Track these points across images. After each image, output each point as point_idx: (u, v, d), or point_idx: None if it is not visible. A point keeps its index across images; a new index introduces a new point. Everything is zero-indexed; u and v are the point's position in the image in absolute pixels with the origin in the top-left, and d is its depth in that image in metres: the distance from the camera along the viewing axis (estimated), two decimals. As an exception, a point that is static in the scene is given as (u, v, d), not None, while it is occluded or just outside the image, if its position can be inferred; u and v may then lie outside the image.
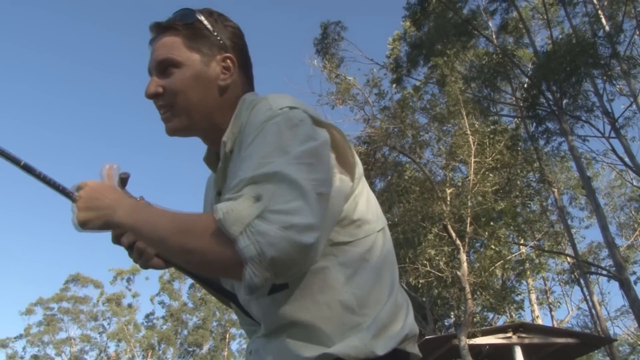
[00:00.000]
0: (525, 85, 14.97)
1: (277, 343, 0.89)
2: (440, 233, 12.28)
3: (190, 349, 37.42)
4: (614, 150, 13.99)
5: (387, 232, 1.00)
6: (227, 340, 37.94)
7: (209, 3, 1.08)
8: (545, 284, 23.65)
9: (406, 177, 14.33)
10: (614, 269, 12.58)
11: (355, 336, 0.85)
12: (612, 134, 13.72)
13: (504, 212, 12.06)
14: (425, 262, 12.29)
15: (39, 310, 37.30)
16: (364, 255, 0.90)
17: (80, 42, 67.92)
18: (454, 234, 11.56)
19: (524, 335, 11.94)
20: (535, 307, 20.83)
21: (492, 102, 15.90)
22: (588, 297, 19.01)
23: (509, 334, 11.88)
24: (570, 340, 12.31)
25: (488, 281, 12.21)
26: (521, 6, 17.66)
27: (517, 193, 13.60)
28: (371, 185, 12.20)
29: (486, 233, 11.97)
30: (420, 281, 12.43)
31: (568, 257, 19.66)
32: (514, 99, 16.66)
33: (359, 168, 0.96)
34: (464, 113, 12.99)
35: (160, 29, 1.04)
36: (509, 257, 12.97)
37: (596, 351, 21.29)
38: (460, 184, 13.13)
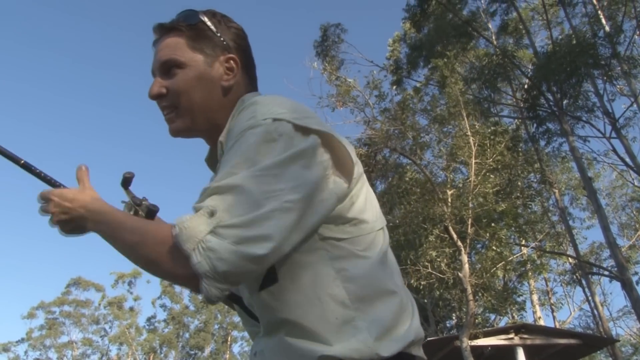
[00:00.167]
0: (526, 86, 14.99)
1: (277, 341, 0.89)
2: (442, 234, 12.26)
3: (192, 352, 37.42)
4: (614, 150, 14.00)
5: (386, 232, 1.00)
6: (228, 343, 37.92)
7: (209, 5, 1.08)
8: (547, 285, 23.62)
9: (407, 179, 14.34)
10: (615, 269, 12.57)
11: (355, 338, 0.83)
12: (613, 134, 13.72)
13: (505, 213, 12.04)
14: (426, 263, 12.27)
15: (40, 314, 37.34)
16: (358, 252, 0.90)
17: (81, 41, 68.10)
18: (455, 236, 11.55)
19: (526, 336, 11.92)
20: (537, 308, 20.79)
21: (492, 103, 15.91)
22: (590, 298, 18.97)
23: (511, 335, 11.85)
24: (572, 341, 12.29)
25: (489, 282, 12.20)
26: (521, 7, 17.69)
27: (518, 194, 13.59)
28: (372, 187, 12.14)
29: (487, 234, 11.96)
30: (422, 283, 12.40)
31: (570, 258, 19.65)
32: (514, 100, 16.67)
33: (358, 168, 0.96)
34: (465, 114, 12.99)
35: (163, 30, 1.05)
36: (510, 258, 12.94)
37: (599, 352, 21.25)
38: (461, 185, 13.12)
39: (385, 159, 15.52)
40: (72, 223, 0.96)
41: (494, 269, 11.99)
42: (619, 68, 14.03)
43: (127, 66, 71.15)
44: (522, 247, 15.26)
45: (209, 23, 1.03)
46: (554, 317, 22.56)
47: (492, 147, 12.74)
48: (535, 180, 15.02)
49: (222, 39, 1.03)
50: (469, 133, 12.54)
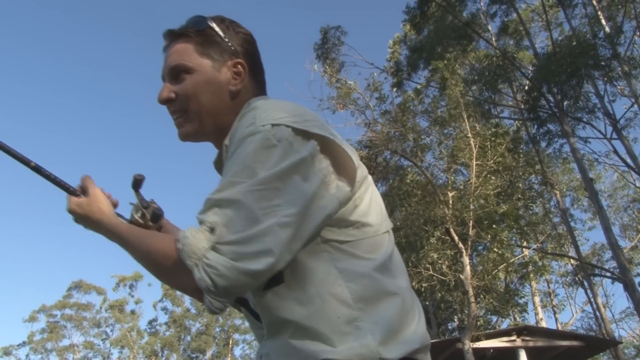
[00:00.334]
0: (526, 88, 15.00)
1: (282, 343, 0.89)
2: (443, 236, 12.26)
3: (194, 355, 37.37)
4: (616, 151, 14.01)
5: (391, 235, 1.01)
6: (230, 346, 37.87)
7: (210, 8, 1.09)
8: (549, 287, 23.60)
9: (408, 181, 14.34)
10: (617, 270, 12.56)
11: (358, 341, 0.83)
12: (614, 135, 13.73)
13: (506, 214, 12.04)
14: (427, 265, 12.26)
15: (42, 317, 37.29)
16: (361, 254, 0.90)
17: (81, 43, 68.26)
18: (456, 237, 11.54)
19: (528, 338, 11.89)
20: (539, 309, 20.77)
21: (493, 104, 15.92)
22: (592, 299, 18.94)
23: (513, 337, 11.83)
24: (574, 343, 12.25)
25: (491, 284, 12.20)
26: (521, 8, 17.71)
27: (519, 195, 13.59)
28: (373, 189, 12.14)
29: (489, 236, 11.96)
30: (423, 285, 12.39)
31: (571, 259, 19.63)
32: (515, 101, 16.68)
33: (361, 172, 0.97)
34: (465, 116, 12.99)
35: (173, 36, 1.07)
36: (511, 260, 12.94)
37: (601, 354, 21.18)
38: (462, 187, 13.11)
39: (386, 161, 15.54)
40: (86, 223, 1.05)
41: (496, 270, 11.99)
42: (620, 69, 14.04)
43: (137, 71, 71.26)
44: (524, 249, 15.25)
45: (217, 29, 1.05)
46: (556, 319, 22.55)
47: (493, 149, 12.74)
48: (536, 181, 15.04)
49: (229, 44, 1.05)
50: (469, 135, 12.54)
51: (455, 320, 18.43)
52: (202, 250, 0.81)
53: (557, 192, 18.09)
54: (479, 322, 13.45)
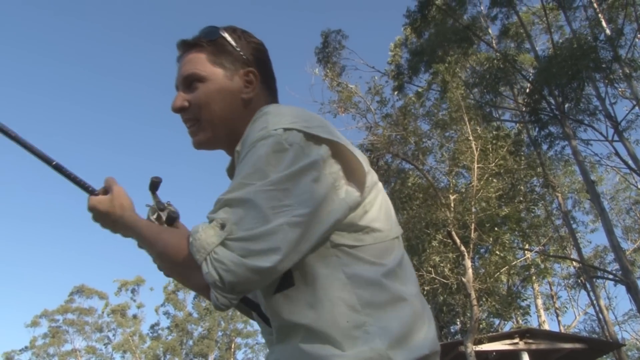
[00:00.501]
0: (527, 90, 15.02)
1: (292, 349, 0.89)
2: (445, 239, 12.24)
3: (196, 359, 37.29)
4: (617, 153, 14.01)
5: (401, 241, 1.02)
6: (232, 350, 37.79)
7: (213, 15, 1.11)
8: (552, 289, 23.53)
9: (409, 184, 14.33)
10: (620, 272, 12.54)
11: (367, 345, 0.83)
12: (616, 137, 13.74)
13: (508, 217, 12.03)
14: (430, 268, 12.25)
15: (44, 322, 37.24)
16: (370, 259, 0.91)
17: (84, 47, 68.42)
18: (458, 240, 11.52)
19: (530, 341, 11.88)
20: (542, 312, 20.72)
21: (494, 107, 15.93)
22: (595, 302, 18.92)
23: (516, 340, 11.82)
24: (577, 345, 12.23)
25: (493, 287, 12.17)
26: (521, 11, 17.74)
27: (521, 198, 13.57)
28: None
29: (490, 239, 11.94)
30: (425, 288, 12.37)
31: (574, 262, 19.59)
32: (516, 104, 16.70)
33: (372, 177, 0.98)
34: (466, 119, 12.99)
35: (186, 46, 1.09)
36: (514, 263, 12.91)
37: (604, 356, 21.12)
38: (463, 190, 13.10)
39: (387, 165, 15.53)
40: (105, 222, 1.05)
41: (498, 273, 11.97)
42: (621, 71, 14.06)
43: (154, 78, 71.28)
44: (526, 252, 15.23)
45: (229, 38, 1.07)
46: (558, 322, 22.50)
47: (494, 152, 12.73)
48: (538, 184, 15.03)
49: (241, 53, 1.07)
50: (471, 138, 12.54)
51: (458, 323, 18.38)
52: (211, 245, 0.82)
53: (559, 195, 18.07)
54: (481, 325, 13.41)
